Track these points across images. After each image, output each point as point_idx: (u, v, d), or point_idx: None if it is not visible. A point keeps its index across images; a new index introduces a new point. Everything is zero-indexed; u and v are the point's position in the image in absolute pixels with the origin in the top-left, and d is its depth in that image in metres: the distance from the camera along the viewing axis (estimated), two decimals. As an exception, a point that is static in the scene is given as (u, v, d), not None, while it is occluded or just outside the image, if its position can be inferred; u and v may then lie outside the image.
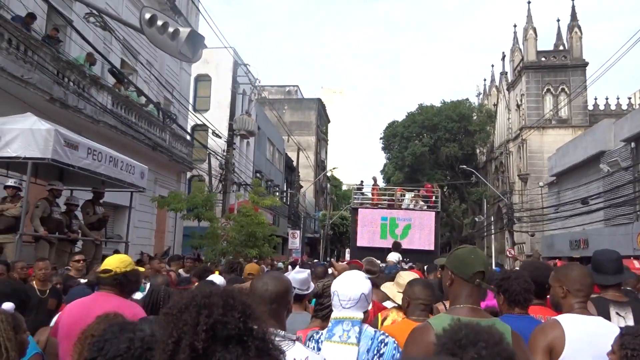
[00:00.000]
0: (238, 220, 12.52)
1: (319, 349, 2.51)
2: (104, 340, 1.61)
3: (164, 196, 16.24)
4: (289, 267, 12.04)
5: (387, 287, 4.03)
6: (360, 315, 2.54)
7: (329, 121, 68.74)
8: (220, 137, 17.54)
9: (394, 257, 10.77)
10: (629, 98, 38.51)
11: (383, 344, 2.50)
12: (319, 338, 2.56)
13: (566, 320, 2.62)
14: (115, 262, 3.11)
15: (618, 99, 36.84)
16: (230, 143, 18.46)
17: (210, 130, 18.42)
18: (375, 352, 2.47)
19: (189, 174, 22.48)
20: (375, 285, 4.53)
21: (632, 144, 20.16)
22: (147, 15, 6.33)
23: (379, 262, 6.80)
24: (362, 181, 26.16)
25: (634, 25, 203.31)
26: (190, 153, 22.47)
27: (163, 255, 17.62)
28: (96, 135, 12.81)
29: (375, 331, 2.58)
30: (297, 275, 3.58)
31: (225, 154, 18.79)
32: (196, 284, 5.62)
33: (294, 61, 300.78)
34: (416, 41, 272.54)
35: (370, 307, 2.71)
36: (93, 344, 1.63)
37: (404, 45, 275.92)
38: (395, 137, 48.23)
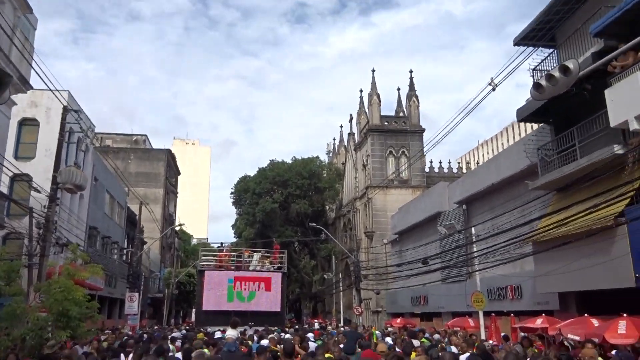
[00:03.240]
0: (51, 292, 10.43)
1: None
2: None
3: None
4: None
5: None
6: None
7: (179, 173, 66.13)
8: (39, 192, 15.12)
9: (232, 333, 10.08)
10: (458, 162, 42.76)
11: None
12: None
13: None
14: None
15: (450, 162, 40.61)
16: (52, 198, 15.98)
17: (29, 185, 15.88)
18: None
19: (3, 232, 19.16)
20: None
21: (464, 206, 21.76)
22: None
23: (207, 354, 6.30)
24: (222, 243, 25.55)
25: (461, 97, 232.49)
26: (6, 208, 19.26)
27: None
28: None
29: None
30: None
31: (46, 210, 16.23)
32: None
33: (146, 110, 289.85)
34: (272, 98, 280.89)
35: None
36: None
37: (260, 101, 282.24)
38: (246, 192, 47.56)
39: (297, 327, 24.09)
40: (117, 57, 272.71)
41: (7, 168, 17.59)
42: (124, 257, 38.44)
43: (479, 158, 73.43)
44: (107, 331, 18.28)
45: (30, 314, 9.78)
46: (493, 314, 16.11)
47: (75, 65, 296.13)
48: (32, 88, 20.78)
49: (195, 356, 5.48)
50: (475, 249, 16.95)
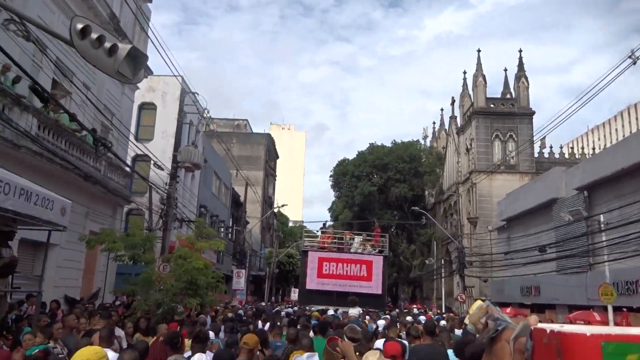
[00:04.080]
0: (178, 263, 11.01)
1: None
2: None
3: (95, 232, 14.47)
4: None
5: None
6: None
7: (277, 157, 67.87)
8: (162, 169, 16.02)
9: (354, 312, 10.10)
10: (571, 147, 39.83)
11: None
12: None
13: None
14: (87, 354, 2.93)
15: (561, 147, 37.93)
16: (173, 176, 16.93)
17: (152, 162, 16.89)
18: None
19: (126, 208, 20.64)
20: (360, 352, 4.86)
21: (585, 193, 20.16)
22: (79, 26, 5.05)
23: (360, 329, 6.32)
24: (325, 222, 25.99)
25: (568, 80, 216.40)
26: (129, 185, 20.69)
27: (90, 298, 15.67)
28: (16, 162, 11.13)
29: None
30: None
31: (167, 187, 17.23)
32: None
33: (242, 96, 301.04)
34: (365, 83, 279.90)
35: None
36: None
37: (352, 86, 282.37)
38: (345, 175, 47.71)
39: (397, 311, 23.86)
40: (217, 46, 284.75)
41: (131, 149, 18.84)
42: (229, 235, 40.17)
43: (591, 144, 68.09)
44: (221, 304, 19.19)
45: (163, 281, 10.37)
46: (625, 309, 14.76)
47: (180, 55, 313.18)
48: (152, 73, 22.13)
49: (349, 328, 5.52)
50: (604, 239, 15.59)
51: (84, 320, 8.21)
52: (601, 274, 16.72)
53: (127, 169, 18.61)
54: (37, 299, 8.71)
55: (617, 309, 15.11)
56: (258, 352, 4.97)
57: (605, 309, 15.82)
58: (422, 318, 13.50)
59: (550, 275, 22.33)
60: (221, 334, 8.68)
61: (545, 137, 31.63)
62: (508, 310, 23.36)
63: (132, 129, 24.59)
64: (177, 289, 10.02)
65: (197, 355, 4.62)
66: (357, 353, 5.20)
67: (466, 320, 1.08)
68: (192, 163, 17.37)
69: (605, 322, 14.61)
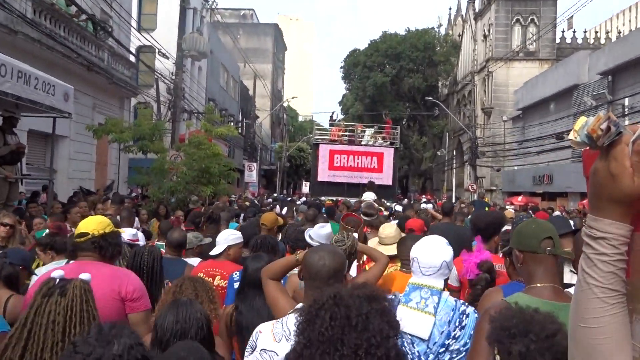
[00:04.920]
0: (189, 152, 10.84)
1: None
2: None
3: (102, 124, 14.26)
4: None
5: (372, 241, 4.16)
6: (441, 285, 2.45)
7: (285, 49, 65.67)
8: (167, 58, 15.40)
9: (369, 196, 10.13)
10: (596, 32, 37.79)
11: (465, 315, 2.40)
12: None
13: None
14: (92, 224, 2.80)
15: (585, 32, 35.97)
16: (179, 65, 16.32)
17: (157, 51, 16.19)
18: (457, 324, 2.37)
19: (133, 101, 20.24)
20: (374, 226, 5.33)
21: (609, 77, 19.30)
22: None
23: (377, 205, 6.84)
24: (333, 112, 25.76)
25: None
26: (135, 76, 20.11)
27: (106, 190, 15.84)
28: (12, 49, 10.55)
29: (455, 301, 2.46)
30: (322, 231, 3.54)
31: (174, 77, 16.68)
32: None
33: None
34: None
35: (449, 274, 2.60)
36: None
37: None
38: (356, 66, 46.16)
39: (406, 201, 24.18)
40: None
41: (134, 39, 18.00)
42: (239, 129, 40.00)
43: (617, 29, 64.76)
44: (233, 196, 19.42)
45: (176, 169, 10.27)
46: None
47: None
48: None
49: (365, 204, 5.64)
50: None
51: (100, 206, 8.21)
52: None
53: (132, 57, 17.96)
54: (49, 188, 8.66)
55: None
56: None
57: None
58: (430, 206, 13.84)
59: (563, 164, 22.12)
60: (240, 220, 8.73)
61: (572, 16, 29.72)
62: (519, 199, 23.51)
63: (134, 19, 23.49)
64: (189, 177, 9.92)
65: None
66: (373, 226, 5.32)
67: (571, 135, 1.01)
68: (198, 51, 16.67)
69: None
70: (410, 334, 2.31)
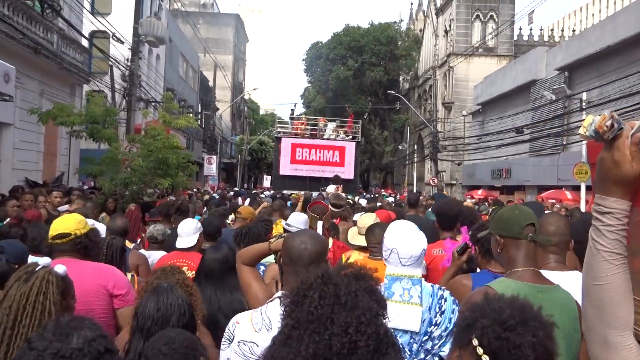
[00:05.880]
0: (145, 143, 10.27)
1: None
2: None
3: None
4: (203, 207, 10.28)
5: (351, 231, 4.17)
6: (419, 273, 2.39)
7: (247, 40, 64.70)
8: (122, 43, 14.65)
9: (332, 189, 9.92)
10: (551, 30, 38.73)
11: (443, 300, 2.34)
12: None
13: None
14: (72, 224, 2.72)
15: (541, 30, 36.83)
16: (135, 50, 15.54)
17: (111, 35, 15.42)
18: (437, 309, 2.30)
19: (86, 88, 19.31)
20: (343, 218, 5.56)
21: (566, 73, 19.69)
22: None
23: (344, 195, 7.11)
24: (295, 104, 25.37)
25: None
26: (88, 62, 19.20)
27: (55, 182, 15.02)
28: (-51, 27, 9.80)
29: (432, 286, 2.40)
30: (299, 218, 3.66)
31: (129, 64, 15.93)
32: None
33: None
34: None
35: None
36: None
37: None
38: (319, 59, 45.79)
39: (370, 195, 24.20)
40: None
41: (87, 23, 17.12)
42: (198, 121, 39.06)
43: (571, 27, 66.75)
44: (193, 190, 18.84)
45: (130, 160, 9.72)
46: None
47: None
48: None
49: (333, 195, 5.94)
50: (584, 117, 15.37)
51: (42, 199, 7.63)
52: (573, 155, 16.71)
53: (85, 42, 17.09)
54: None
55: (588, 188, 15.33)
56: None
57: (574, 188, 16.15)
58: (391, 199, 13.98)
59: (522, 158, 22.53)
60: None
61: (533, 11, 30.29)
62: (479, 192, 23.84)
63: (88, 1, 22.43)
64: (145, 169, 9.39)
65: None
66: (340, 217, 5.30)
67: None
68: (155, 37, 15.92)
69: (576, 201, 14.85)
70: (400, 329, 2.21)
